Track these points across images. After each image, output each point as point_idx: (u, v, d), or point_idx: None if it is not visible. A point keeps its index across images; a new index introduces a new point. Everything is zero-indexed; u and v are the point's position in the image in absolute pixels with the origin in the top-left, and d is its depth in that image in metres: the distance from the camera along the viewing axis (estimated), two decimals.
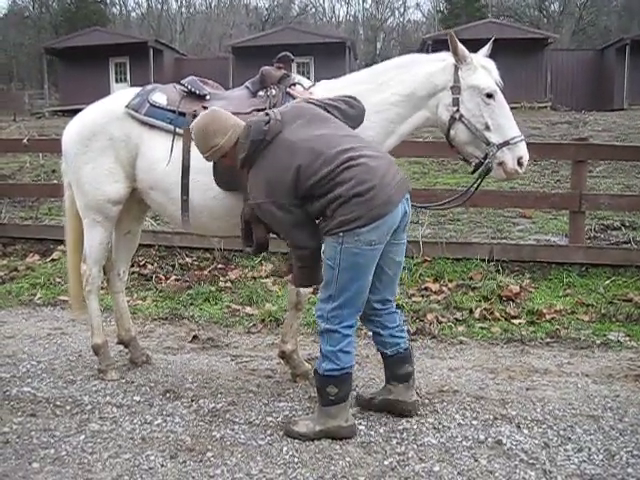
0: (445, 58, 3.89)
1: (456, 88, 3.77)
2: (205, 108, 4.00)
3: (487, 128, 3.72)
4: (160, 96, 4.14)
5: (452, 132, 3.81)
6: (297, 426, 3.59)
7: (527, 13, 49.11)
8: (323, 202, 3.34)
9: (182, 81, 4.22)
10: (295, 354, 4.40)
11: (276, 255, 6.94)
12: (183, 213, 4.08)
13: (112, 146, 4.13)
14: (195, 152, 3.94)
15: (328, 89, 4.06)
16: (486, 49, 3.94)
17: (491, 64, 3.85)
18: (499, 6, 48.34)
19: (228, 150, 3.53)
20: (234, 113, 3.93)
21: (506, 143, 3.69)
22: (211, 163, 3.85)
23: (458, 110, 3.76)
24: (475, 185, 3.97)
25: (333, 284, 3.43)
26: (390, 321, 3.73)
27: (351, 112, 3.69)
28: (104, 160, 4.15)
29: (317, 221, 3.50)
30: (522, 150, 3.72)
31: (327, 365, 3.47)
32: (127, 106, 4.12)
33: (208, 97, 4.11)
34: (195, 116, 3.97)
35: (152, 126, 4.09)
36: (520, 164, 3.72)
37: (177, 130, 4.02)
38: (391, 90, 3.94)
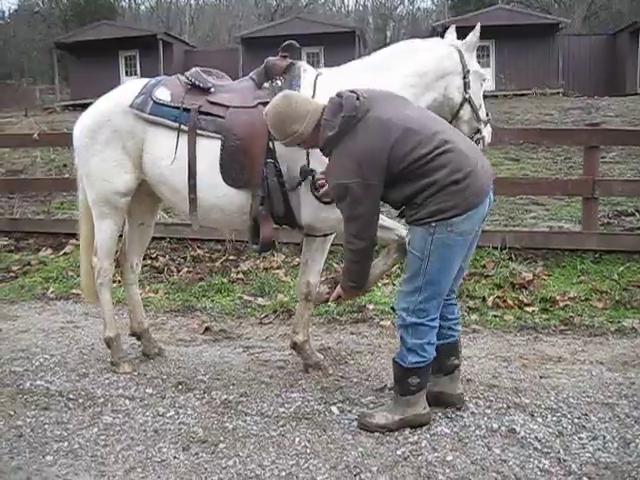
0: (444, 43, 4.09)
1: (467, 72, 3.98)
2: (210, 102, 3.99)
3: (480, 107, 4.07)
4: (164, 92, 4.10)
5: (461, 112, 4.04)
6: (375, 418, 3.51)
7: None
8: (416, 187, 3.24)
9: (186, 73, 4.18)
10: (307, 345, 4.40)
11: (288, 246, 6.93)
12: (191, 212, 4.06)
13: (118, 137, 4.12)
14: (201, 148, 3.93)
15: (338, 74, 4.07)
16: (473, 35, 4.08)
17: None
18: None
19: (307, 135, 3.44)
20: (239, 107, 3.92)
21: (488, 121, 4.14)
22: (217, 159, 3.84)
23: (467, 92, 3.99)
24: None
25: (421, 276, 3.34)
26: (450, 312, 3.66)
27: None
28: (111, 152, 4.14)
29: (400, 209, 3.43)
30: (490, 127, 4.22)
31: (413, 358, 3.40)
32: (131, 105, 4.08)
33: (212, 90, 4.08)
34: (200, 112, 3.96)
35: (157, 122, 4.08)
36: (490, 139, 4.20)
37: (182, 127, 3.98)
38: (404, 71, 3.96)
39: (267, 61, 4.09)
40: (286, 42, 4.14)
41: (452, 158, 3.23)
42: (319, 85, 3.92)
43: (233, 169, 3.89)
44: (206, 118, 3.97)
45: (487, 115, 4.14)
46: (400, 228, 3.84)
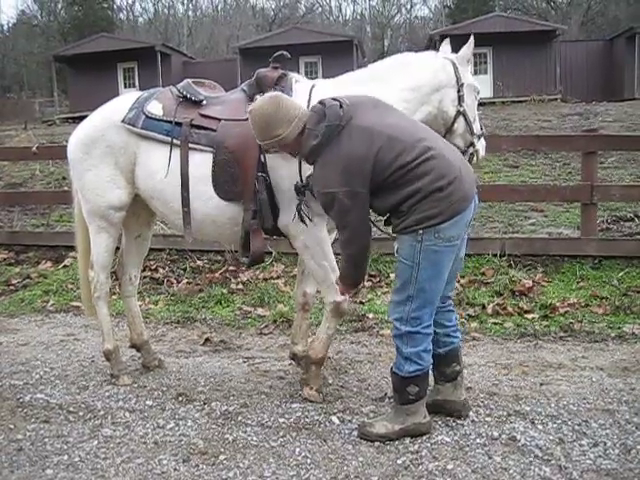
0: (437, 56, 4.09)
1: (462, 85, 3.97)
2: (202, 115, 3.99)
3: (474, 120, 4.06)
4: (155, 105, 4.10)
5: (455, 125, 4.02)
6: (375, 428, 3.50)
7: (534, 5, 48.82)
8: (401, 195, 3.25)
9: (177, 85, 4.18)
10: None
11: (287, 256, 6.93)
12: (185, 224, 4.05)
13: (111, 153, 4.13)
14: (194, 162, 3.93)
15: (334, 86, 4.05)
16: (467, 48, 4.09)
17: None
18: None
19: (290, 140, 3.42)
20: (231, 119, 3.91)
21: (481, 135, 4.13)
22: (210, 172, 3.84)
23: (462, 105, 3.98)
24: None
25: (412, 284, 3.34)
26: (447, 319, 3.65)
27: None
28: (104, 167, 4.15)
29: (385, 218, 3.46)
30: (484, 140, 4.21)
31: (410, 367, 3.40)
32: (123, 121, 4.08)
33: (204, 102, 4.07)
34: (192, 125, 3.96)
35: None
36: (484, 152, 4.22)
37: (174, 141, 3.98)
38: (400, 85, 3.97)
39: (258, 72, 4.08)
40: (277, 53, 4.12)
41: (436, 165, 3.25)
42: (314, 97, 3.86)
43: (225, 182, 3.89)
44: (198, 132, 3.97)
45: (481, 129, 4.14)
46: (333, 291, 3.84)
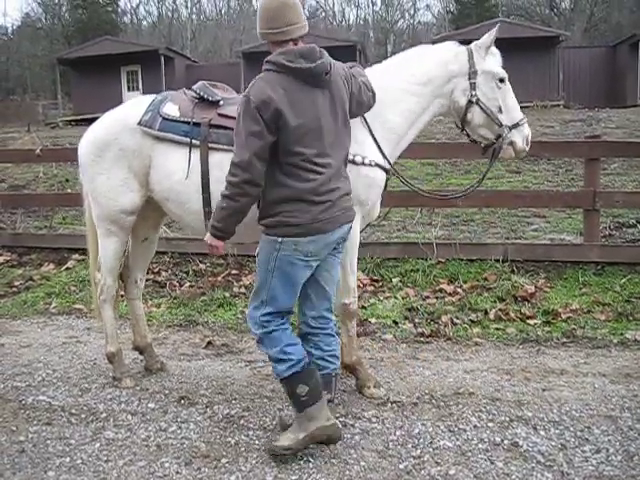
0: (453, 47, 4.08)
1: (473, 73, 3.95)
2: (221, 115, 3.99)
3: (500, 110, 3.96)
4: (171, 107, 4.08)
5: (469, 115, 4.00)
6: (279, 442, 3.39)
7: (538, 11, 48.90)
8: (282, 182, 3.24)
9: (193, 87, 4.17)
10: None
11: None
12: (206, 225, 4.00)
13: (125, 156, 4.12)
14: (214, 161, 3.91)
15: None
16: (488, 36, 4.00)
17: (497, 51, 4.06)
18: (509, 5, 48.20)
19: (283, 38, 3.30)
20: None
21: (516, 125, 3.97)
22: None
23: (475, 94, 3.95)
24: (489, 168, 4.22)
25: (265, 290, 3.35)
26: (326, 344, 3.58)
27: (364, 99, 3.68)
28: (118, 170, 4.13)
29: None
30: (527, 129, 4.03)
31: (281, 366, 3.33)
32: (139, 123, 4.07)
33: (221, 102, 4.07)
34: (211, 125, 3.96)
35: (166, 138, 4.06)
36: (527, 143, 4.02)
37: (193, 141, 3.96)
38: (410, 80, 4.03)
39: None
40: None
41: (321, 180, 3.23)
42: None
43: None
44: (217, 131, 3.95)
45: (519, 118, 3.98)
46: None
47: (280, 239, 3.27)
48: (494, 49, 4.03)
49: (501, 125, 3.95)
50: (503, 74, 3.98)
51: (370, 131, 3.93)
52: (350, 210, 3.44)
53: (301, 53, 3.25)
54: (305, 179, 3.23)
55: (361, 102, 3.65)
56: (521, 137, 3.98)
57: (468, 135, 4.12)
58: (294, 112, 3.17)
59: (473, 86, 3.94)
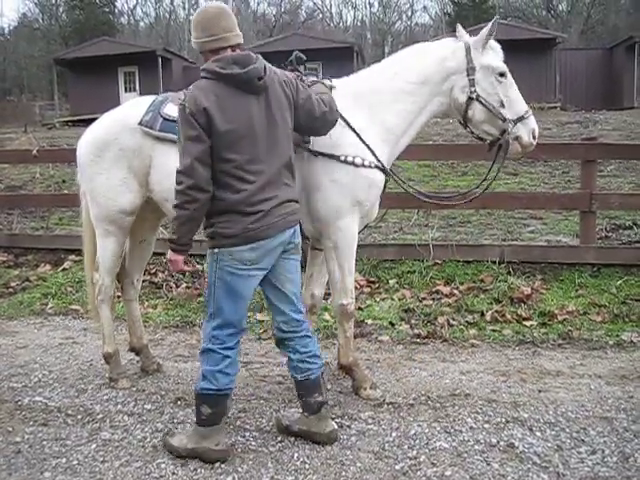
0: (451, 43, 4.01)
1: (471, 69, 3.88)
2: None
3: (502, 105, 3.88)
4: (172, 108, 4.03)
5: (470, 112, 3.93)
6: (173, 439, 3.49)
7: (535, 13, 49.00)
8: (215, 180, 3.24)
9: None
10: None
11: None
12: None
13: (124, 156, 4.11)
14: None
15: (345, 84, 4.11)
16: (485, 30, 3.95)
17: (497, 45, 3.99)
18: (506, 7, 48.25)
19: (216, 47, 3.29)
20: None
21: (521, 118, 3.86)
22: None
23: (475, 90, 3.88)
24: (493, 165, 4.15)
25: (212, 302, 3.37)
26: (302, 345, 3.54)
27: (316, 111, 3.54)
28: (117, 171, 4.13)
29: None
30: (534, 123, 3.91)
31: (204, 384, 3.36)
32: (140, 123, 4.06)
33: None
34: None
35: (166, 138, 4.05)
36: (534, 137, 3.90)
37: None
38: (406, 79, 4.00)
39: None
40: (295, 53, 4.14)
41: (252, 189, 3.23)
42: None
43: None
44: None
45: (524, 111, 3.87)
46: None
47: (217, 250, 3.30)
48: (494, 43, 3.97)
49: (505, 120, 3.86)
50: (503, 68, 3.91)
51: (357, 134, 3.90)
52: (291, 215, 3.41)
53: (234, 59, 3.25)
54: (236, 190, 3.22)
55: (312, 113, 3.52)
56: (527, 131, 3.87)
57: (472, 132, 4.05)
58: (224, 118, 3.18)
59: (472, 82, 3.88)
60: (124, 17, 57.02)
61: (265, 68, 3.30)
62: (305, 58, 4.13)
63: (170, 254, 3.41)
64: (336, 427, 3.56)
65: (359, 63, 30.58)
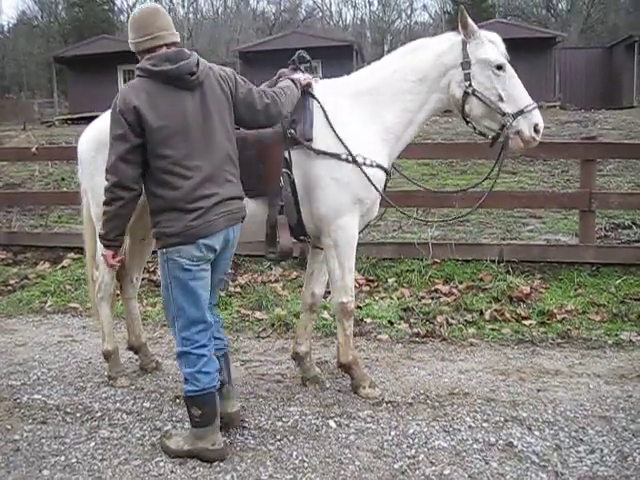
0: (451, 38, 3.96)
1: (466, 63, 3.82)
2: None
3: (500, 99, 3.78)
4: None
5: (467, 107, 3.87)
6: (170, 441, 3.50)
7: (534, 12, 48.93)
8: (155, 186, 3.27)
9: None
10: (308, 357, 4.41)
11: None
12: None
13: None
14: None
15: (345, 83, 4.11)
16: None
17: (497, 38, 3.92)
18: (506, 6, 48.19)
19: (151, 47, 3.32)
20: None
21: (520, 112, 3.74)
22: None
23: (470, 85, 3.82)
24: (497, 161, 4.02)
25: (171, 304, 3.38)
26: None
27: (257, 103, 3.53)
28: None
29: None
30: (537, 117, 3.76)
31: (188, 387, 3.38)
32: None
33: None
34: None
35: None
36: (536, 131, 3.76)
37: None
38: (404, 77, 3.98)
39: (280, 72, 4.09)
40: (298, 52, 4.13)
41: (190, 185, 3.23)
42: (325, 93, 4.00)
43: (249, 178, 3.88)
44: None
45: (525, 105, 3.74)
46: None
47: (165, 250, 3.31)
48: (493, 36, 3.90)
49: (504, 114, 3.75)
50: (500, 61, 3.80)
51: (333, 130, 3.89)
52: (235, 213, 3.41)
53: (167, 56, 3.28)
54: (174, 186, 3.23)
55: (253, 106, 3.52)
56: (528, 125, 3.74)
57: (474, 128, 3.98)
58: (156, 114, 3.19)
59: (467, 76, 3.81)
60: (123, 15, 56.88)
61: (198, 64, 3.31)
62: (309, 58, 4.13)
63: (102, 249, 3.51)
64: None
65: (359, 61, 30.53)
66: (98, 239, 3.85)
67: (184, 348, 3.37)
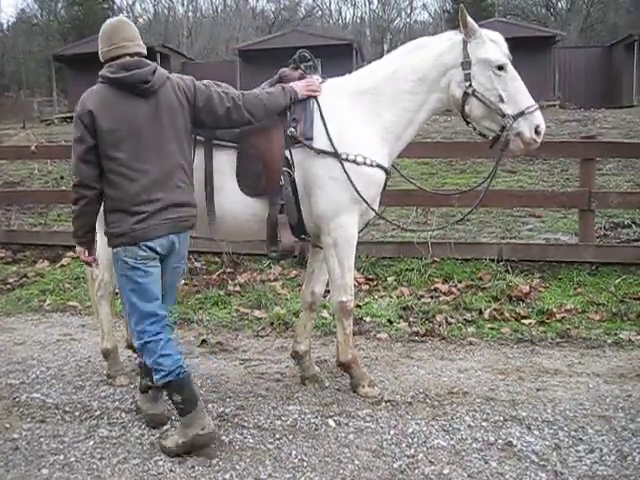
0: (451, 37, 3.91)
1: (466, 63, 3.78)
2: None
3: (501, 100, 3.73)
4: None
5: (467, 108, 3.83)
6: (167, 441, 3.52)
7: (534, 11, 48.90)
8: (105, 180, 3.39)
9: None
10: (308, 355, 4.40)
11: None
12: (210, 221, 3.98)
13: None
14: (217, 158, 3.92)
15: (345, 83, 4.10)
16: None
17: (499, 37, 3.87)
18: (506, 5, 48.15)
19: (116, 57, 3.45)
20: None
21: (521, 113, 3.69)
22: (234, 168, 3.88)
23: (471, 85, 3.77)
24: (497, 163, 4.00)
25: (125, 301, 3.51)
26: None
27: (218, 110, 3.63)
28: None
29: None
30: (538, 118, 3.72)
31: (157, 376, 3.44)
32: None
33: None
34: None
35: None
36: (537, 133, 3.71)
37: (197, 137, 3.91)
38: (404, 77, 3.95)
39: (281, 71, 4.09)
40: (299, 51, 4.12)
41: (138, 188, 3.34)
42: (326, 92, 4.00)
43: (250, 177, 3.88)
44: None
45: (526, 106, 3.69)
46: None
47: (115, 250, 3.45)
48: (494, 35, 3.85)
49: (504, 115, 3.70)
50: (502, 61, 3.75)
51: (326, 129, 3.89)
52: (182, 220, 3.48)
53: (124, 65, 3.41)
54: (122, 188, 3.35)
55: (214, 112, 3.62)
56: (528, 126, 3.68)
57: (475, 129, 3.94)
58: (109, 118, 3.33)
59: (467, 77, 3.76)
60: (123, 13, 56.86)
61: (154, 73, 3.42)
62: (309, 57, 4.11)
63: (76, 247, 3.66)
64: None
65: (358, 60, 30.53)
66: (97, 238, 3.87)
67: (141, 341, 3.46)
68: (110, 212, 3.43)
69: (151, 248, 3.38)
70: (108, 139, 3.32)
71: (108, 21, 3.61)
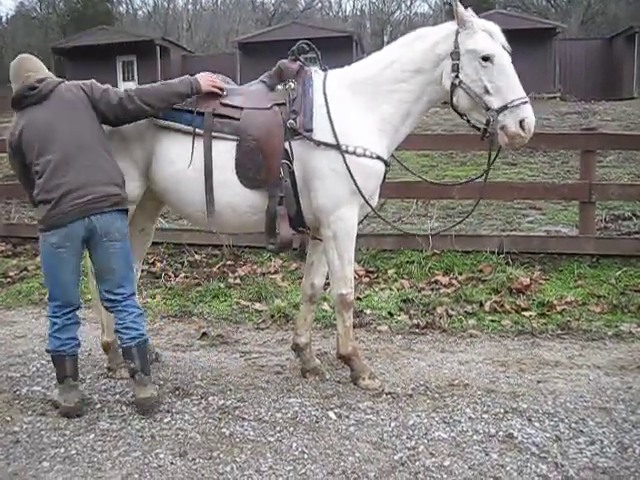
0: (449, 27, 3.85)
1: (455, 54, 3.73)
2: (224, 105, 3.98)
3: (487, 92, 3.65)
4: None
5: (454, 99, 3.79)
6: (53, 392, 4.01)
7: (534, 3, 48.71)
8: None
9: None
10: (308, 348, 4.40)
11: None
12: (209, 213, 3.99)
13: (126, 146, 4.07)
14: (217, 150, 3.91)
15: (345, 74, 4.09)
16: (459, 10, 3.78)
17: (494, 27, 3.78)
18: None
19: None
20: (254, 108, 3.92)
21: (504, 107, 3.58)
22: (233, 160, 3.90)
23: (457, 76, 3.72)
24: (490, 157, 3.96)
25: (44, 280, 3.94)
26: (119, 318, 3.85)
27: (112, 99, 3.86)
28: (119, 161, 4.04)
29: None
30: (524, 112, 3.58)
31: (47, 345, 3.88)
32: None
33: (225, 92, 4.05)
34: (215, 115, 3.95)
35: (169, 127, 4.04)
36: (522, 126, 3.57)
37: (197, 130, 3.93)
38: (402, 68, 3.93)
39: (280, 64, 4.06)
40: (299, 42, 4.11)
41: (44, 179, 3.67)
42: (327, 84, 3.99)
43: (249, 169, 3.88)
44: (221, 120, 3.94)
45: (511, 99, 3.57)
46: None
47: (39, 235, 3.80)
48: (489, 25, 3.78)
49: (488, 108, 3.63)
50: (487, 51, 3.64)
51: (330, 120, 3.89)
52: (96, 202, 3.70)
53: (25, 86, 3.79)
54: (35, 183, 3.74)
55: (110, 103, 3.85)
56: (513, 120, 3.56)
57: (468, 121, 3.88)
58: (26, 131, 3.74)
59: (454, 67, 3.70)
60: (122, 6, 56.66)
61: (41, 82, 3.77)
62: (308, 49, 4.10)
63: None
64: (152, 396, 3.84)
65: (358, 52, 30.46)
66: None
67: (48, 315, 3.86)
68: (35, 205, 3.82)
69: (63, 235, 3.66)
70: (24, 148, 3.76)
71: (15, 60, 3.97)
